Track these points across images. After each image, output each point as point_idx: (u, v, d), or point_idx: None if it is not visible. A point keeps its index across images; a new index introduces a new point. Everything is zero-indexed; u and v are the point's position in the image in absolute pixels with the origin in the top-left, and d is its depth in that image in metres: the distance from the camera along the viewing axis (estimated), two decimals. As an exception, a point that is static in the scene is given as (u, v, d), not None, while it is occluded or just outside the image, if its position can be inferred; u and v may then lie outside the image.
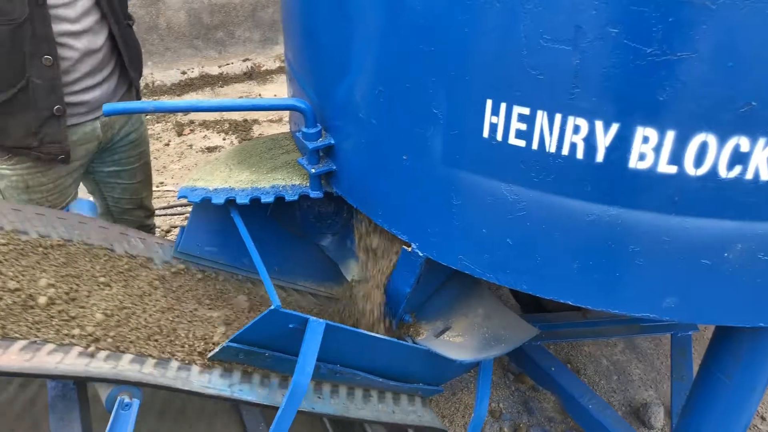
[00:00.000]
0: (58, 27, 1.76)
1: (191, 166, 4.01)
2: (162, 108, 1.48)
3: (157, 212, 3.50)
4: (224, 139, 4.37)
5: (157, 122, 4.61)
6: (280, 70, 5.66)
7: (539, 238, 1.27)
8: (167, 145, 4.28)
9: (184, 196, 1.64)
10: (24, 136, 1.78)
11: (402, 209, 1.43)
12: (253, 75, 5.53)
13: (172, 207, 3.52)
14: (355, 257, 1.92)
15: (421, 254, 1.44)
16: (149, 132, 4.47)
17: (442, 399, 2.36)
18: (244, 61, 5.58)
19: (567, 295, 1.31)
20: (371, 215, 1.52)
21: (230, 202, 1.63)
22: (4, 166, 1.85)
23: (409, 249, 1.46)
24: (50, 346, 1.28)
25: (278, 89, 5.31)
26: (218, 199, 1.61)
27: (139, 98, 2.15)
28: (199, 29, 5.32)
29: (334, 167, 1.58)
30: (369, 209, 1.53)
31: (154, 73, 5.20)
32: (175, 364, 1.40)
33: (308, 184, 1.65)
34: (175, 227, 3.37)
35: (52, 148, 1.83)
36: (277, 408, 1.41)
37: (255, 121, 4.68)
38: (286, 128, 4.76)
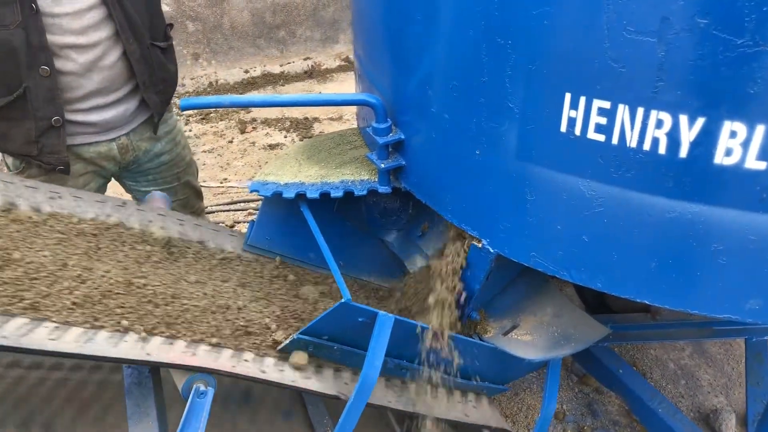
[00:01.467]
0: (62, 39, 1.74)
1: (254, 163, 4.09)
2: (237, 103, 1.51)
3: (221, 207, 3.58)
4: (285, 137, 4.44)
5: (221, 120, 4.72)
6: (340, 69, 5.73)
7: (616, 236, 1.24)
8: (231, 142, 4.38)
9: (256, 190, 1.67)
10: (25, 144, 1.80)
11: (473, 205, 1.43)
12: (313, 74, 5.60)
13: (235, 203, 3.59)
14: (420, 253, 1.92)
15: (492, 250, 1.43)
16: (213, 129, 4.59)
17: (504, 399, 2.34)
18: (305, 59, 5.66)
19: (643, 294, 1.28)
20: (440, 211, 1.52)
21: (300, 197, 1.65)
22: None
23: (480, 245, 1.45)
24: (134, 336, 1.32)
25: (338, 87, 5.36)
26: (289, 194, 1.64)
27: (156, 126, 2.07)
28: (261, 28, 5.42)
29: (404, 162, 1.58)
30: (438, 205, 1.52)
31: (218, 72, 5.32)
32: (249, 355, 1.43)
33: (377, 180, 1.65)
34: (239, 222, 3.44)
35: (51, 158, 1.83)
36: (343, 403, 1.43)
37: (315, 119, 4.74)
38: (346, 126, 4.80)
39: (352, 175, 1.69)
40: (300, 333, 1.47)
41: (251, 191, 1.69)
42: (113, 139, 1.98)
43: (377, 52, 1.62)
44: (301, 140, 4.37)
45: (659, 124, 1.11)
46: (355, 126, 2.00)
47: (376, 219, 1.94)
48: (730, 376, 2.49)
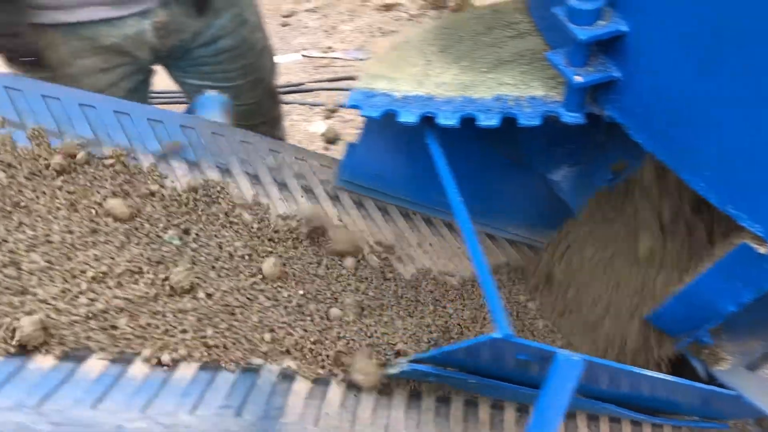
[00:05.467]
0: None
1: (364, 28, 3.38)
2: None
3: (322, 84, 2.97)
4: (405, -5, 3.66)
5: (326, -28, 3.97)
6: None
7: None
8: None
9: (356, 106, 1.04)
10: None
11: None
12: None
13: (339, 80, 2.95)
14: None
15: (791, 265, 0.75)
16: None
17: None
18: None
19: None
20: (686, 175, 0.83)
21: (427, 120, 1.00)
22: None
23: (763, 250, 0.77)
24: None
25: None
26: (409, 116, 1.00)
27: (201, 5, 1.36)
28: None
29: (618, 75, 0.88)
30: (686, 163, 0.83)
31: None
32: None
33: (560, 99, 0.97)
34: (342, 106, 2.81)
35: (9, 43, 1.18)
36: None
37: (443, -28, 3.88)
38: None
39: (515, 88, 1.01)
40: (417, 361, 0.90)
41: (349, 106, 1.05)
42: (144, 14, 1.29)
43: None
44: (424, 0, 3.57)
45: None
46: (518, -5, 1.27)
47: (540, 147, 1.27)
48: None
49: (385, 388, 0.93)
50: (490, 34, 1.15)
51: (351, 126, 2.69)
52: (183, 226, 1.00)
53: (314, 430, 0.83)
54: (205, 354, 0.85)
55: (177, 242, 0.97)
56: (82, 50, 1.28)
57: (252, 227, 1.06)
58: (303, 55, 3.17)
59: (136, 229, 0.95)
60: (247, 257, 1.00)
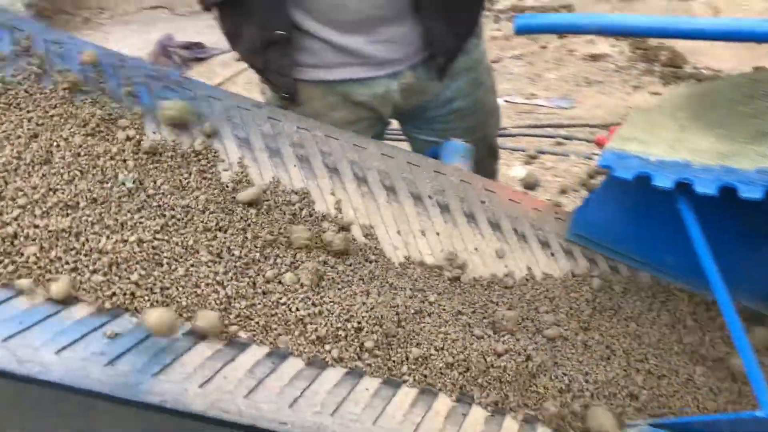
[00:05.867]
0: None
1: (569, 77, 3.39)
2: (607, 27, 0.89)
3: (522, 131, 3.01)
4: (613, 46, 3.62)
5: (535, 19, 4.04)
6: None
7: None
8: (544, 48, 3.71)
9: (608, 166, 1.07)
10: (250, 51, 1.38)
11: None
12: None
13: (541, 127, 2.98)
14: None
15: None
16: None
17: None
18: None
19: None
20: None
21: (681, 187, 1.01)
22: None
23: None
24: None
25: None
26: (665, 181, 1.01)
27: (442, 71, 1.45)
28: None
29: None
30: None
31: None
32: None
33: (832, 176, 0.94)
34: (543, 153, 2.83)
35: (275, 78, 1.38)
36: None
37: (652, 25, 3.81)
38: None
39: (780, 161, 0.99)
40: (653, 424, 0.90)
41: (601, 166, 1.09)
42: (393, 76, 1.41)
43: None
44: (633, 53, 3.51)
45: None
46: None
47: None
48: None
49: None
50: (749, 104, 1.13)
51: (551, 173, 2.71)
52: (148, 172, 0.99)
53: (196, 390, 0.74)
54: (107, 298, 0.80)
55: (130, 184, 0.94)
56: (336, 104, 1.44)
57: (227, 186, 1.05)
58: (506, 101, 3.24)
59: (94, 167, 0.94)
60: (207, 212, 0.98)
